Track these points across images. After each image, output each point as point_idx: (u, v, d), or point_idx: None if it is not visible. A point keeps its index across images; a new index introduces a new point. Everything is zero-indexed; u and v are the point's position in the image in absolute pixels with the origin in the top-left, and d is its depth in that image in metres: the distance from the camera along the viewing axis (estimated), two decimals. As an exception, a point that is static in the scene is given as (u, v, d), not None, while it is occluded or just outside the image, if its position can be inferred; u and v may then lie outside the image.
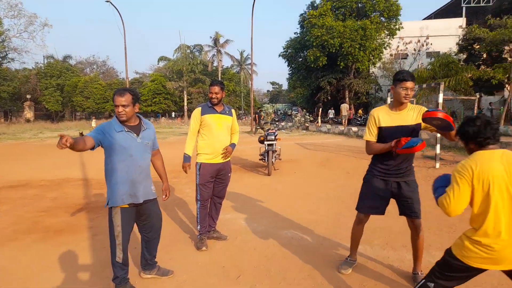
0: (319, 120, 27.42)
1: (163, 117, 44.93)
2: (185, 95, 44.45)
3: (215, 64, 54.81)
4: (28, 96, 45.37)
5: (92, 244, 4.18)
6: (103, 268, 3.52)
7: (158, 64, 51.03)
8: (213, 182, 4.11)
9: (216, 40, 52.87)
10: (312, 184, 7.45)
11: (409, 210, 3.10)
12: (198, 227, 4.11)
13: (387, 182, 3.13)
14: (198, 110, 4.05)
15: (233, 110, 4.26)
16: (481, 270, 2.08)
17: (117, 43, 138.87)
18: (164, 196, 3.32)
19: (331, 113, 30.52)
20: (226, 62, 60.83)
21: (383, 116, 3.08)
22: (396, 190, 3.11)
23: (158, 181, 3.34)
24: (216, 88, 3.93)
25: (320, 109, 30.58)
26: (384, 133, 3.05)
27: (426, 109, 2.89)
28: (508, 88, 20.19)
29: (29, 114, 45.58)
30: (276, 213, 5.33)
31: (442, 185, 2.26)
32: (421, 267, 3.21)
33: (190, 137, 4.08)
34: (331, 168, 9.21)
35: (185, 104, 44.67)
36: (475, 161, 2.04)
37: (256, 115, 23.96)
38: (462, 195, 2.04)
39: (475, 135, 2.12)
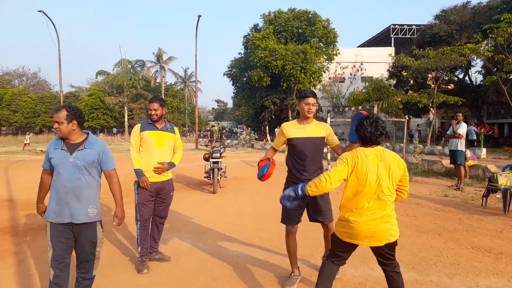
0: (268, 138, 27.95)
1: (101, 133, 42.70)
2: (126, 111, 42.81)
3: (158, 80, 53.75)
4: None
5: (17, 272, 3.76)
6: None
7: (96, 78, 48.91)
8: (154, 202, 3.96)
9: (159, 56, 52.04)
10: (258, 201, 7.49)
11: (322, 217, 3.42)
12: (139, 249, 3.90)
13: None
14: (137, 126, 3.96)
15: (176, 128, 4.17)
16: (353, 245, 2.65)
17: (50, 55, 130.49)
18: (113, 222, 3.07)
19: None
20: (170, 79, 60.17)
21: (292, 129, 3.41)
22: (311, 198, 3.27)
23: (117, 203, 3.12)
24: (155, 105, 3.86)
25: (267, 127, 31.22)
26: (294, 143, 3.38)
27: (328, 125, 3.48)
28: (433, 112, 22.28)
29: None
30: (222, 231, 5.24)
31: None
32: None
33: (133, 152, 3.91)
34: (276, 184, 9.33)
35: (126, 120, 42.98)
36: (357, 156, 2.52)
37: (209, 132, 24.52)
38: (340, 174, 2.52)
39: (362, 134, 2.57)
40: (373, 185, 2.48)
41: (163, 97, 46.86)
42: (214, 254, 4.29)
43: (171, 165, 4.00)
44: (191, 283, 3.51)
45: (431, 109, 22.64)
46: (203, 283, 3.51)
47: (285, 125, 3.48)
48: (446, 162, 11.09)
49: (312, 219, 3.48)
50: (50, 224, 2.77)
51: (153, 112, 3.86)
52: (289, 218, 3.40)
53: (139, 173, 3.84)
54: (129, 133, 43.43)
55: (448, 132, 8.72)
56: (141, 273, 3.70)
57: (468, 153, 9.41)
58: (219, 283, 3.51)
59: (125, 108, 42.63)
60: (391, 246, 2.65)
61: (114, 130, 45.42)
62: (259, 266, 3.94)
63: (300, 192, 2.67)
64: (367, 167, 2.48)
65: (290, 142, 3.41)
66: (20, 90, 45.39)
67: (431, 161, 11.48)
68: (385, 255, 2.68)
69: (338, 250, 2.74)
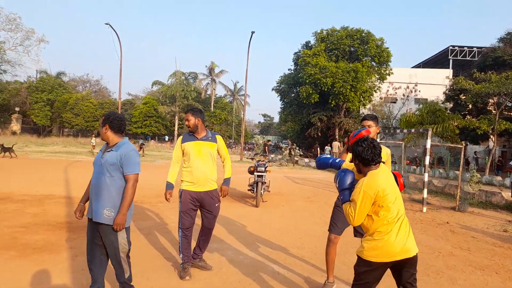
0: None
1: (152, 140, 44.69)
2: (177, 120, 44.56)
3: (208, 92, 55.53)
4: (17, 109, 44.86)
5: (71, 266, 4.02)
6: (81, 291, 3.37)
7: (151, 87, 51.58)
8: (197, 211, 4.03)
9: (211, 69, 53.85)
10: (299, 218, 7.40)
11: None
12: (181, 256, 4.00)
13: None
14: (180, 139, 4.10)
15: (218, 136, 4.15)
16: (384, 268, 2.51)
17: (112, 64, 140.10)
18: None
19: (327, 149, 30.81)
20: (220, 91, 61.78)
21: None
22: None
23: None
24: (188, 115, 3.99)
25: (318, 148, 30.94)
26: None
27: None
28: (493, 139, 20.83)
29: (15, 126, 44.86)
30: (263, 246, 5.24)
31: (348, 187, 2.60)
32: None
33: (172, 165, 4.08)
34: (319, 203, 9.20)
35: (176, 129, 44.68)
36: (375, 184, 2.42)
37: (265, 147, 25.27)
38: (365, 211, 2.44)
39: (361, 155, 2.52)
40: (396, 202, 2.49)
41: (212, 109, 48.31)
42: (254, 268, 4.28)
43: (226, 182, 4.14)
44: (231, 295, 3.53)
45: (491, 136, 21.16)
46: (242, 296, 3.51)
47: None
48: (507, 194, 10.27)
49: (357, 234, 3.61)
50: (88, 218, 3.04)
51: (186, 123, 4.01)
52: (335, 227, 3.71)
53: (167, 185, 4.06)
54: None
55: (511, 163, 8.09)
56: (183, 280, 3.79)
57: None
58: (258, 298, 3.49)
59: (176, 117, 44.41)
60: (415, 262, 2.55)
61: (166, 137, 47.28)
62: (300, 284, 3.87)
63: (341, 193, 2.66)
64: (384, 189, 2.43)
65: None
66: (83, 96, 48.96)
67: (489, 192, 10.68)
68: (410, 277, 2.54)
69: (363, 279, 2.52)
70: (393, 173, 2.68)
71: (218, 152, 4.16)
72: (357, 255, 2.57)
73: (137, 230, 5.69)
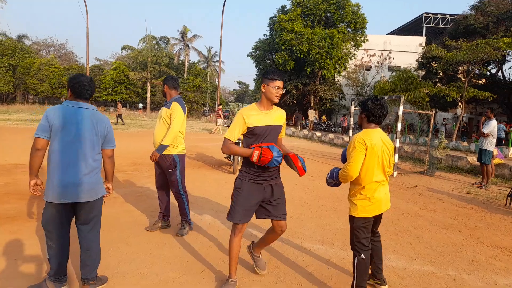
0: (311, 126, 28.09)
1: (124, 108, 43.46)
2: (149, 87, 43.27)
3: (181, 58, 53.90)
4: (-25, 74, 42.11)
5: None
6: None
7: (121, 52, 49.36)
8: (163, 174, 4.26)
9: (183, 34, 52.02)
10: (276, 184, 7.54)
11: (279, 212, 3.03)
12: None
13: (260, 186, 2.95)
14: None
15: (173, 103, 4.06)
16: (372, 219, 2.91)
17: (78, 27, 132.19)
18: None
19: (314, 118, 30.89)
20: (193, 57, 60.19)
21: (254, 116, 2.86)
22: (270, 194, 3.00)
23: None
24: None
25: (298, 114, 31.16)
26: (257, 132, 2.85)
27: (284, 112, 3.10)
28: (461, 106, 21.62)
29: (-25, 93, 42.29)
30: (241, 210, 5.33)
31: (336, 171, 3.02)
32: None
33: None
34: (291, 169, 9.37)
35: (148, 96, 43.48)
36: (368, 138, 2.77)
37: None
38: (359, 161, 2.75)
39: (371, 110, 2.86)
40: (381, 160, 2.83)
41: (185, 75, 47.12)
42: (233, 232, 4.38)
43: (159, 149, 4.01)
44: (210, 257, 3.62)
45: (460, 103, 21.94)
46: (222, 258, 3.61)
47: (245, 112, 2.88)
48: (472, 158, 10.82)
49: (265, 215, 3.06)
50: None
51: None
52: (240, 215, 2.91)
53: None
54: (151, 109, 44.05)
55: (484, 129, 8.46)
56: (163, 244, 3.85)
57: (495, 151, 9.14)
58: (237, 260, 3.60)
59: (148, 84, 43.08)
60: (381, 216, 3.09)
61: (140, 105, 45.93)
62: (276, 246, 4.01)
63: (333, 175, 3.01)
64: (376, 145, 2.78)
65: (251, 131, 2.86)
66: (48, 61, 46.34)
67: (455, 157, 11.22)
68: (377, 225, 3.10)
69: (364, 234, 2.86)
70: (288, 156, 3.02)
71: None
72: (352, 215, 2.88)
73: (112, 198, 5.64)
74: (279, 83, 2.87)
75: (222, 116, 21.81)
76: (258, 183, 2.93)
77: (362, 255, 2.80)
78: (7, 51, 43.48)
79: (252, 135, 2.87)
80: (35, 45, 54.53)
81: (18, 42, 46.98)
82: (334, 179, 3.00)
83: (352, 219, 2.90)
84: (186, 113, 4.23)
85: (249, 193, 2.91)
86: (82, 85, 2.74)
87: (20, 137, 12.91)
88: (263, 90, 2.92)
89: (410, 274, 3.49)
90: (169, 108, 4.03)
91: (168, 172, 4.11)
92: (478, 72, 22.71)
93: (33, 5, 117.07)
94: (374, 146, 2.75)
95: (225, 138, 2.87)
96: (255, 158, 2.74)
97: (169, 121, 4.02)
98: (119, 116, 24.03)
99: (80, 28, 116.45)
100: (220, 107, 22.03)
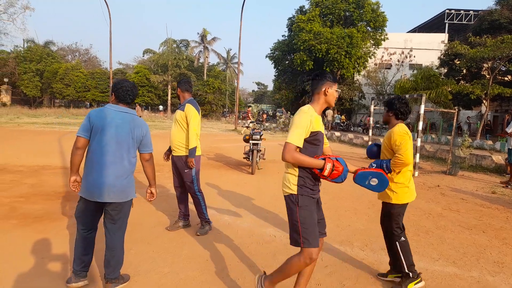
0: (329, 127, 27.82)
1: (145, 110, 44.29)
2: (169, 90, 43.94)
3: (201, 60, 54.46)
4: (6, 80, 43.78)
5: (72, 233, 4.11)
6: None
7: (143, 56, 50.32)
8: (179, 174, 4.38)
9: (203, 37, 52.52)
10: (295, 185, 7.52)
11: (322, 228, 2.73)
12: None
13: (315, 201, 2.61)
14: None
15: (187, 105, 4.15)
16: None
17: (102, 32, 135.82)
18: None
19: (337, 118, 30.61)
20: (213, 60, 60.75)
21: (318, 119, 2.57)
22: (318, 209, 2.69)
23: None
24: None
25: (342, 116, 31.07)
26: (319, 138, 2.56)
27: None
28: (485, 104, 20.95)
29: (5, 98, 43.97)
30: (260, 211, 5.37)
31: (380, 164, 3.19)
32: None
33: None
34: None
35: (169, 98, 44.16)
36: (407, 129, 3.13)
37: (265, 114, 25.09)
38: (411, 148, 3.05)
39: (399, 108, 3.19)
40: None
41: (205, 77, 47.59)
42: (252, 232, 4.42)
43: (190, 153, 4.11)
44: (229, 256, 3.66)
45: (484, 101, 21.26)
46: (241, 257, 3.65)
47: (312, 111, 2.54)
48: (497, 157, 10.49)
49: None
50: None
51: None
52: (315, 238, 2.49)
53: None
54: (172, 111, 44.72)
55: (507, 129, 8.20)
56: (183, 243, 3.92)
57: None
58: (256, 259, 3.64)
59: (169, 86, 43.76)
60: None
61: (161, 107, 46.66)
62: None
63: (386, 168, 3.11)
64: (411, 137, 3.13)
65: (314, 136, 2.51)
66: (73, 65, 47.73)
67: (480, 156, 10.90)
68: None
69: (402, 219, 3.22)
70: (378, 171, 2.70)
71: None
72: (393, 203, 3.13)
73: (135, 198, 5.77)
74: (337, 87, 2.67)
75: (251, 117, 22.27)
76: (314, 198, 2.57)
77: (402, 237, 3.14)
78: (34, 57, 45.07)
79: (316, 141, 2.52)
80: (61, 50, 56.29)
81: (45, 48, 48.60)
82: (385, 169, 3.08)
83: (392, 206, 3.15)
84: (201, 114, 4.33)
85: (313, 210, 2.54)
86: (125, 90, 2.91)
87: (46, 139, 13.39)
88: (326, 92, 2.58)
89: (432, 275, 3.43)
90: (184, 111, 4.14)
91: (184, 172, 4.20)
92: (503, 68, 21.98)
93: (59, 12, 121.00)
94: (411, 137, 3.11)
95: (287, 143, 2.42)
96: (327, 171, 2.39)
97: (185, 123, 4.13)
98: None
99: (104, 33, 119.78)
100: (250, 109, 22.62)
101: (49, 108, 40.89)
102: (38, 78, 45.21)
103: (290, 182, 2.53)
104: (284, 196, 2.60)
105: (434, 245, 4.23)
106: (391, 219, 3.18)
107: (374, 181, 2.64)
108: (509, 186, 7.91)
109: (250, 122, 11.64)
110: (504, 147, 15.43)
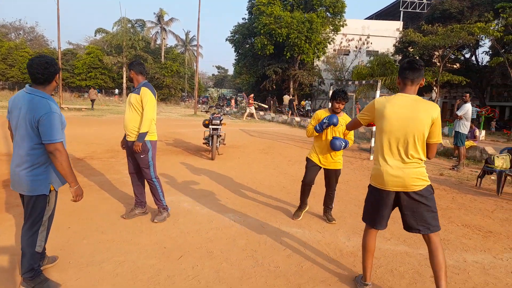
0: (295, 113, 27.29)
1: (99, 93, 42.26)
2: (124, 72, 42.10)
3: (158, 42, 52.61)
4: None
5: (19, 224, 3.84)
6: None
7: (95, 36, 47.53)
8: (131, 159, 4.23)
9: (160, 17, 50.69)
10: (255, 170, 7.56)
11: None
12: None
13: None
14: None
15: (143, 88, 3.99)
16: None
17: (48, 9, 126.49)
18: None
19: (307, 104, 30.64)
20: (170, 42, 58.75)
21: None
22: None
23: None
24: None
25: (272, 100, 30.91)
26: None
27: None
28: (436, 90, 22.12)
29: None
30: (219, 197, 5.33)
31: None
32: None
33: None
34: (274, 155, 9.41)
35: (124, 81, 42.34)
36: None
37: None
38: None
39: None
40: None
41: (162, 59, 46.05)
42: (211, 218, 4.38)
43: (140, 137, 3.95)
44: (188, 243, 3.60)
45: (435, 87, 22.44)
46: (200, 244, 3.60)
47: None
48: (445, 141, 11.14)
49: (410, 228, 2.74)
50: (55, 192, 2.72)
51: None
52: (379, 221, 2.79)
53: None
54: (127, 94, 43.03)
55: (458, 112, 8.67)
56: (140, 231, 3.80)
57: (477, 132, 9.41)
58: (215, 244, 3.61)
59: (124, 69, 41.90)
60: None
61: (116, 91, 44.61)
62: (254, 231, 4.03)
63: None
64: None
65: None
66: (17, 44, 44.20)
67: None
68: None
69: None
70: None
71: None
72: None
73: (88, 185, 5.51)
74: None
75: (252, 103, 23.59)
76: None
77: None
78: (-29, 34, 41.25)
79: None
80: (2, 28, 51.88)
81: (-16, 25, 44.57)
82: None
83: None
84: (158, 98, 4.17)
85: None
86: (34, 68, 2.50)
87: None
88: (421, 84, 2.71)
89: (384, 254, 3.59)
90: (139, 94, 3.95)
91: (140, 158, 4.04)
92: (452, 57, 23.26)
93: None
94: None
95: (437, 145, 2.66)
96: None
97: (140, 107, 3.96)
98: (92, 101, 24.16)
99: (51, 10, 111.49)
100: (252, 95, 24.23)
101: (-9, 90, 37.81)
102: (-23, 57, 41.51)
103: (424, 174, 2.62)
104: (420, 191, 2.60)
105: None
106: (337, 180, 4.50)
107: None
108: (455, 169, 8.44)
109: (210, 107, 11.46)
110: (451, 131, 16.46)
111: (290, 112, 26.66)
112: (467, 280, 3.16)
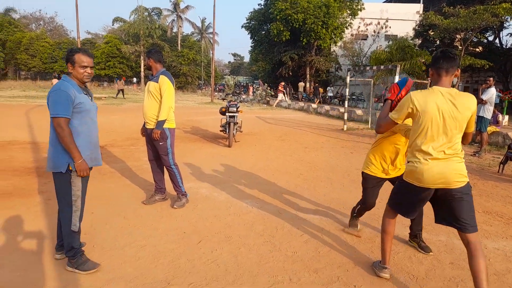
0: (320, 99, 27.13)
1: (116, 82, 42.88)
2: (142, 61, 42.46)
3: (174, 30, 52.69)
4: (-36, 50, 41.08)
5: (44, 209, 4.00)
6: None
7: (112, 25, 48.08)
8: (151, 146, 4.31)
9: (176, 5, 50.61)
10: (272, 157, 7.59)
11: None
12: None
13: None
14: None
15: (161, 76, 4.03)
16: None
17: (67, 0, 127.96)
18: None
19: (330, 90, 30.27)
20: (186, 29, 58.84)
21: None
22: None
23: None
24: (144, 56, 4.11)
25: (287, 86, 30.65)
26: None
27: None
28: (457, 75, 21.46)
29: (-35, 70, 41.43)
30: (237, 183, 5.39)
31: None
32: None
33: None
34: (290, 142, 9.41)
35: (142, 70, 42.75)
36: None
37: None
38: None
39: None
40: None
41: (179, 48, 46.14)
42: (229, 204, 4.45)
43: (158, 125, 4.03)
44: (207, 229, 3.68)
45: (456, 72, 21.75)
46: (218, 229, 3.68)
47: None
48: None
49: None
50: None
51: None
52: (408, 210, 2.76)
53: None
54: (145, 83, 43.48)
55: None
56: (160, 217, 3.90)
57: (500, 117, 9.20)
58: (233, 230, 3.67)
59: (141, 57, 42.25)
60: None
61: (134, 79, 45.07)
62: (271, 217, 4.08)
63: None
64: None
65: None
66: (38, 35, 45.13)
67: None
68: None
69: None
70: None
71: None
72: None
73: (109, 172, 5.66)
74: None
75: (283, 91, 24.41)
76: None
77: None
78: (-6, 25, 42.30)
79: None
80: (23, 18, 52.96)
81: (6, 16, 45.57)
82: None
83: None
84: (176, 86, 4.24)
85: None
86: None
87: (13, 113, 12.80)
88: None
89: (403, 241, 3.58)
90: (158, 82, 4.01)
91: (159, 145, 4.12)
92: (475, 40, 22.40)
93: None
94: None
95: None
96: None
97: (159, 95, 4.02)
98: (121, 90, 25.49)
99: (69, 0, 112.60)
100: (282, 83, 25.11)
101: (14, 81, 38.90)
102: (1, 49, 42.57)
103: (465, 170, 2.54)
104: (461, 187, 2.52)
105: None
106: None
107: None
108: (477, 155, 8.25)
109: (227, 94, 11.48)
110: (472, 117, 16.00)
111: (317, 100, 26.43)
112: (489, 266, 3.12)
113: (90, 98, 2.86)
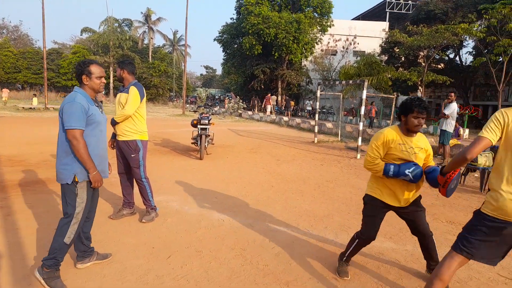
0: (289, 113, 27.38)
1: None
2: (111, 72, 41.59)
3: (145, 41, 52.16)
4: None
5: (4, 225, 3.78)
6: (16, 250, 3.21)
7: (81, 35, 46.77)
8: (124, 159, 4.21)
9: (147, 16, 50.26)
10: (244, 169, 7.57)
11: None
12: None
13: None
14: None
15: (131, 87, 3.98)
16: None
17: (33, 8, 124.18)
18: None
19: (308, 104, 30.61)
20: (158, 41, 58.36)
21: None
22: None
23: None
24: (117, 67, 4.09)
25: (256, 99, 31.00)
26: None
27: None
28: (421, 90, 22.48)
29: None
30: (208, 196, 5.33)
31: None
32: None
33: None
34: (262, 154, 9.44)
35: (111, 81, 41.81)
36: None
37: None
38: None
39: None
40: None
41: (150, 59, 45.62)
42: (200, 217, 4.38)
43: (111, 122, 3.99)
44: (177, 243, 3.59)
45: (420, 87, 22.82)
46: (188, 243, 3.60)
47: None
48: (430, 140, 11.33)
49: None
50: (87, 183, 2.75)
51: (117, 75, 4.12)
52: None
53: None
54: (114, 95, 42.51)
55: (445, 111, 8.86)
56: (128, 232, 3.78)
57: (461, 130, 9.64)
58: (204, 244, 3.61)
59: (111, 69, 41.38)
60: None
61: (103, 91, 43.96)
62: (243, 230, 4.05)
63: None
64: None
65: None
66: (1, 44, 43.37)
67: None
68: None
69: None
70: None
71: None
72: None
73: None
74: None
75: (270, 103, 24.93)
76: None
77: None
78: (-48, 32, 40.24)
79: None
80: (-16, 26, 50.76)
81: (-35, 23, 43.51)
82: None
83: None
84: (147, 98, 4.19)
85: None
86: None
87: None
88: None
89: (371, 250, 3.64)
90: (128, 93, 3.94)
91: (130, 157, 4.03)
92: (437, 57, 23.64)
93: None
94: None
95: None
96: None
97: None
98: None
99: (36, 9, 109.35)
100: (269, 95, 25.86)
101: (-27, 91, 36.86)
102: (-42, 57, 40.51)
103: None
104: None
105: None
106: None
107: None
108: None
109: (199, 107, 11.45)
110: (436, 130, 16.75)
111: (288, 112, 26.86)
112: (451, 274, 3.23)
113: (101, 110, 2.88)
